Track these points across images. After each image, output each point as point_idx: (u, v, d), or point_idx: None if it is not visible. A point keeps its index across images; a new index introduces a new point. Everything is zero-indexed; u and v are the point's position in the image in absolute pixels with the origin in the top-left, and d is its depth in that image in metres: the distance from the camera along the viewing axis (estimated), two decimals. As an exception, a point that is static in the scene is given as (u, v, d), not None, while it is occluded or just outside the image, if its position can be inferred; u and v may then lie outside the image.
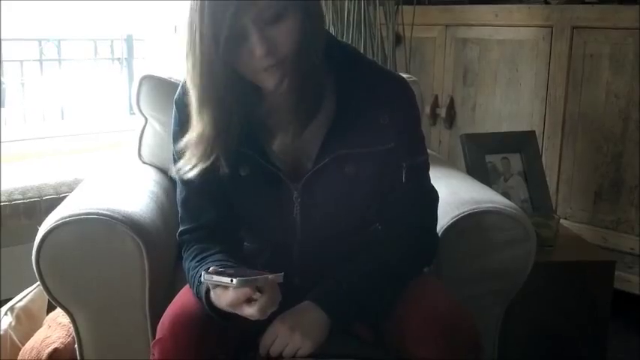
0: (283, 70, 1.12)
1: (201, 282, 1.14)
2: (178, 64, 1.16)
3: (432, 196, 1.32)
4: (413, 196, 1.27)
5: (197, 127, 1.16)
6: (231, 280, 1.06)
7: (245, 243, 1.36)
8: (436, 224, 1.34)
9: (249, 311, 1.08)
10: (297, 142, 1.21)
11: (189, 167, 1.19)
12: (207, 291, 1.13)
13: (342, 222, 1.27)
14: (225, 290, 1.08)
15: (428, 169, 1.32)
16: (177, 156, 1.23)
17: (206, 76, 1.11)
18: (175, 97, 1.27)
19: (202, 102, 1.13)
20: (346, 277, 1.21)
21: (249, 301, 1.08)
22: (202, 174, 1.20)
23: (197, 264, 1.21)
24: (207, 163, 1.17)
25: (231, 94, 1.13)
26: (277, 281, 1.11)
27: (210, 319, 1.14)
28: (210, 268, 1.12)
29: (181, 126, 1.24)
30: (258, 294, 1.08)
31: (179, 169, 1.21)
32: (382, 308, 1.21)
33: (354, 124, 1.21)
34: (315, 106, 1.20)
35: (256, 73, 1.13)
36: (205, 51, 1.08)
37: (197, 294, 1.17)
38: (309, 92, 1.18)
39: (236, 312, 1.10)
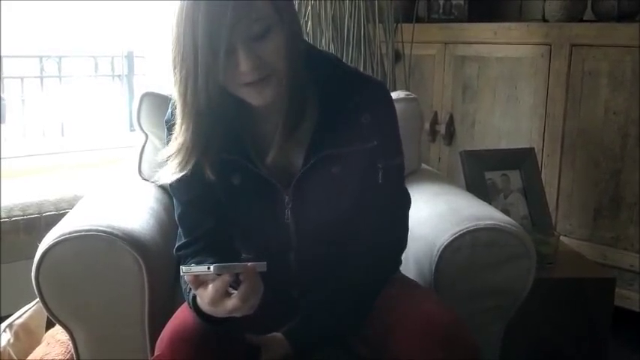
0: (267, 84, 1.14)
1: (191, 289, 1.13)
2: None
3: (405, 200, 1.34)
4: (387, 197, 1.29)
5: (179, 136, 1.17)
6: (209, 268, 1.05)
7: (242, 255, 1.36)
8: (407, 229, 1.35)
9: (231, 303, 1.07)
10: (284, 149, 1.23)
11: (169, 174, 1.20)
12: (195, 298, 1.13)
13: (333, 226, 1.28)
14: (205, 289, 1.08)
15: (403, 172, 1.34)
16: (160, 165, 1.24)
17: (199, 89, 1.11)
18: (166, 117, 1.27)
19: (189, 113, 1.14)
20: (315, 308, 1.25)
21: (229, 296, 1.07)
22: (195, 187, 1.22)
23: None
24: (186, 171, 1.19)
25: (218, 106, 1.14)
26: (258, 270, 1.09)
27: (210, 336, 1.14)
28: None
29: None
30: (234, 292, 1.07)
31: (159, 178, 1.22)
32: (351, 329, 1.26)
33: (338, 125, 1.24)
34: (300, 114, 1.22)
35: (240, 87, 1.15)
36: (203, 64, 1.09)
37: (189, 305, 1.17)
38: (294, 103, 1.20)
39: (219, 311, 1.08)
